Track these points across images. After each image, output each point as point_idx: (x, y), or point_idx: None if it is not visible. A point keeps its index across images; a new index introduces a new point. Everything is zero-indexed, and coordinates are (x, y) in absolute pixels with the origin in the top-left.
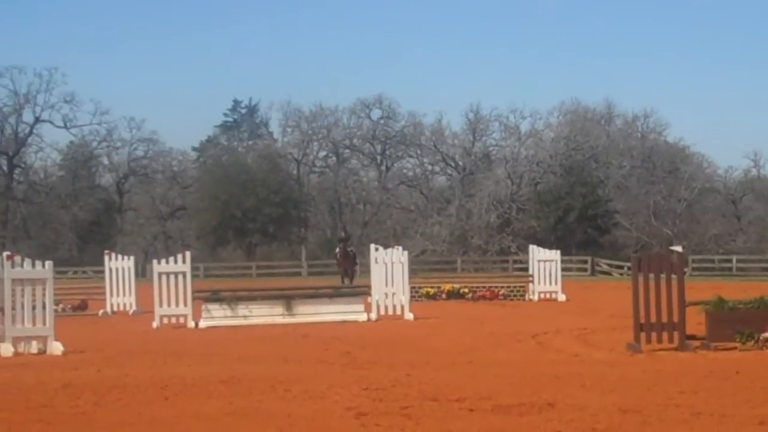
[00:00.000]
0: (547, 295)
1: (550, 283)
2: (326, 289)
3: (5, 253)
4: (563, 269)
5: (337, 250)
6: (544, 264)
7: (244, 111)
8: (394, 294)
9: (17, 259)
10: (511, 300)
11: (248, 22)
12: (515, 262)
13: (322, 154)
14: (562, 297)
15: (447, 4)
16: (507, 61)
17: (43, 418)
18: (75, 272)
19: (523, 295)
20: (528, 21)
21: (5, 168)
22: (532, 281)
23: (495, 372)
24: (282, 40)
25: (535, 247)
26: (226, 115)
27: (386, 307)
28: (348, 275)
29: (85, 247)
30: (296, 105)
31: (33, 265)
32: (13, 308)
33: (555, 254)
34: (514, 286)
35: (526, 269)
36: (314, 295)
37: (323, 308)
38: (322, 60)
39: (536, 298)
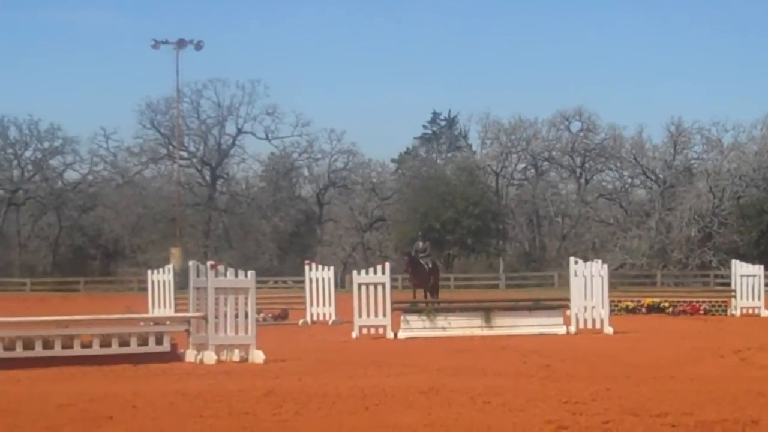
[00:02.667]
0: (750, 311)
1: (753, 299)
2: (525, 301)
3: (209, 263)
4: (767, 284)
5: (406, 258)
6: (747, 279)
7: (443, 123)
8: (593, 307)
9: (221, 268)
10: (713, 315)
11: (446, 35)
12: (716, 276)
13: (521, 166)
14: (765, 313)
15: (648, 15)
16: (709, 73)
17: (246, 426)
18: (275, 282)
19: (725, 311)
20: (730, 31)
21: (208, 179)
22: (735, 296)
23: (697, 387)
24: (480, 52)
25: (737, 261)
26: (425, 126)
27: (585, 321)
28: (428, 289)
29: (285, 257)
30: (495, 117)
31: (236, 275)
32: (216, 317)
33: (758, 269)
34: (716, 301)
35: (728, 284)
36: (513, 307)
37: (522, 321)
38: (521, 72)
39: (738, 313)
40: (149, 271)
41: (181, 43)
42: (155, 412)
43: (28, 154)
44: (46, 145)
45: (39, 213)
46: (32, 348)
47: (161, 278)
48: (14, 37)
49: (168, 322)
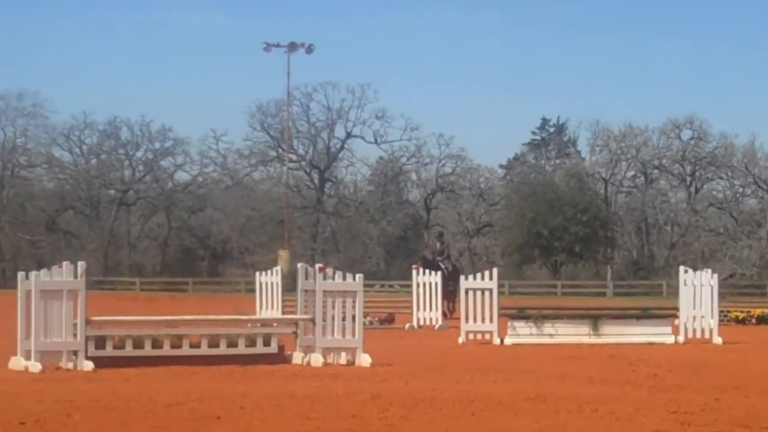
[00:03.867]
0: None
1: None
2: (633, 310)
3: (317, 265)
4: None
5: (419, 263)
6: None
7: (552, 129)
8: (702, 317)
9: (329, 271)
10: None
11: (556, 41)
12: None
13: (630, 173)
14: None
15: (760, 21)
16: None
17: (353, 429)
18: (382, 286)
19: None
20: None
21: (317, 182)
22: None
23: None
24: (590, 59)
25: None
26: (534, 133)
27: (694, 330)
28: (447, 296)
29: (392, 261)
30: (605, 124)
31: (344, 278)
32: (324, 319)
33: None
34: None
35: None
36: (621, 315)
37: (630, 329)
38: (631, 79)
39: None
40: (257, 273)
41: (292, 47)
42: (263, 413)
43: (139, 154)
44: (157, 146)
45: (149, 213)
46: (142, 347)
47: (269, 280)
48: (128, 39)
49: (275, 324)
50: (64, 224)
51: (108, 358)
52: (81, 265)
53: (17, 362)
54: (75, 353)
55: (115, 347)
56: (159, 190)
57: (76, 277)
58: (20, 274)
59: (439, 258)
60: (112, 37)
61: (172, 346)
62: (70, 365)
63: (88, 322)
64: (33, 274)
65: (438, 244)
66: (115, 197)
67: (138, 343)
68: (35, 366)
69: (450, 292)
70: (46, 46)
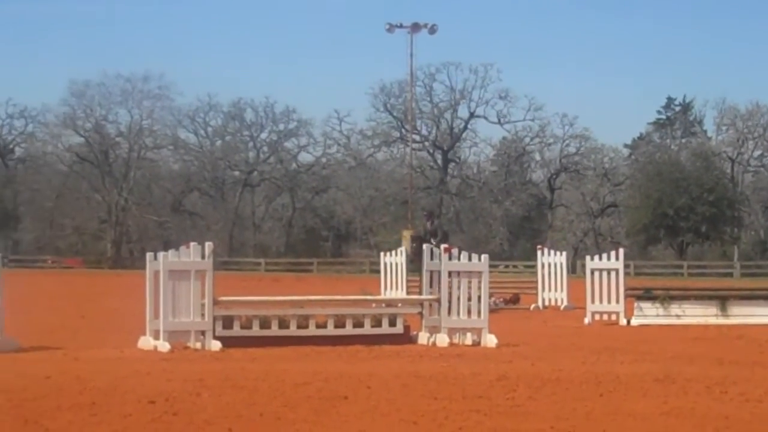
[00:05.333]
0: None
1: None
2: (763, 290)
3: (443, 246)
4: None
5: (413, 245)
6: None
7: (677, 108)
8: None
9: (454, 251)
10: None
11: (682, 20)
12: None
13: (758, 153)
14: None
15: None
16: None
17: (480, 409)
18: (506, 266)
19: None
20: None
21: (440, 162)
22: None
23: None
24: (716, 37)
25: None
26: (659, 112)
27: None
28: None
29: (516, 241)
30: (732, 103)
31: (469, 258)
32: (449, 300)
33: None
34: None
35: None
36: (750, 296)
37: (759, 310)
38: (758, 57)
39: None
40: (382, 254)
41: (415, 27)
42: (389, 393)
43: (263, 136)
44: (281, 127)
45: (273, 194)
46: (269, 327)
47: (393, 260)
48: (251, 22)
49: (400, 305)
50: (189, 205)
51: (235, 337)
52: (208, 245)
53: (146, 342)
54: (203, 333)
55: (242, 327)
56: (283, 171)
57: (203, 257)
58: (149, 255)
59: (433, 240)
60: (235, 19)
61: (299, 326)
62: (198, 345)
63: (215, 302)
64: (161, 254)
65: (428, 224)
66: (239, 178)
67: (265, 323)
68: (164, 346)
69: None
70: (172, 28)
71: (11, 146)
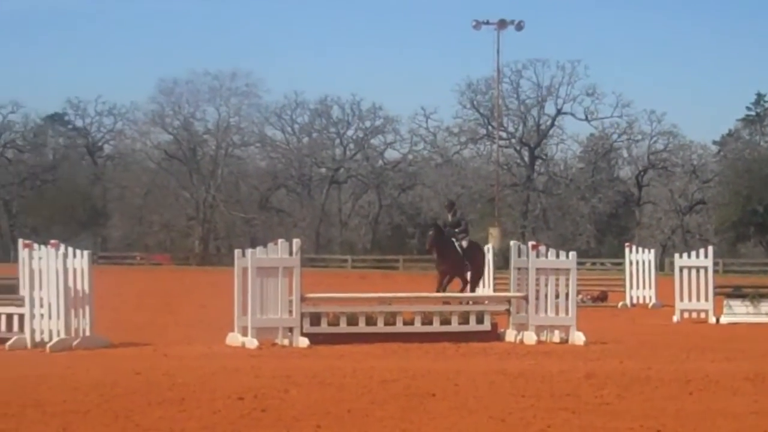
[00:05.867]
0: None
1: None
2: None
3: (530, 243)
4: None
5: (431, 233)
6: None
7: (767, 105)
8: None
9: (542, 248)
10: None
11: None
12: None
13: None
14: None
15: None
16: None
17: (568, 407)
18: (593, 263)
19: None
20: None
21: (527, 159)
22: None
23: None
24: None
25: None
26: (748, 108)
27: None
28: (464, 277)
29: (603, 239)
30: None
31: (557, 255)
32: (537, 297)
33: None
34: None
35: None
36: None
37: None
38: None
39: None
40: None
41: (501, 24)
42: (477, 390)
43: (350, 133)
44: (368, 124)
45: (360, 191)
46: (356, 324)
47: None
48: (336, 19)
49: (487, 302)
50: (276, 202)
51: (322, 334)
52: (296, 242)
53: (234, 338)
54: (290, 330)
55: (329, 324)
56: (369, 168)
57: (291, 254)
58: (237, 252)
59: (454, 231)
60: (322, 16)
61: (386, 323)
62: (286, 342)
63: (303, 299)
64: (249, 251)
65: (449, 215)
66: (326, 175)
67: (352, 320)
68: (252, 342)
69: (471, 276)
70: (259, 26)
71: (100, 144)
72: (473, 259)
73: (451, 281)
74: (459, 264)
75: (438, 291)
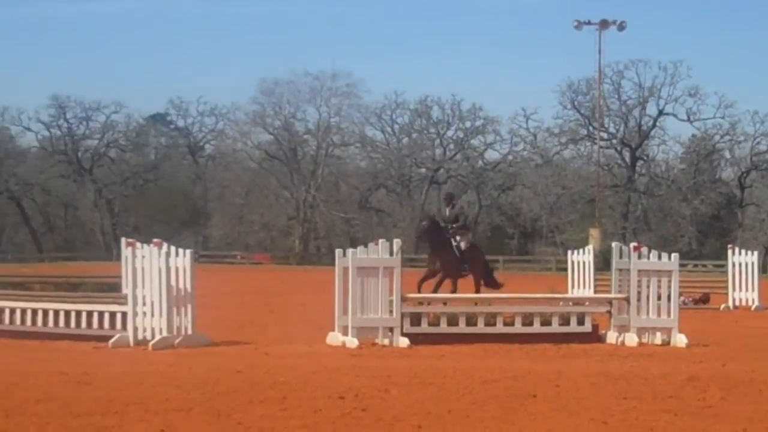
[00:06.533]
0: None
1: None
2: None
3: (632, 244)
4: None
5: (424, 225)
6: None
7: None
8: None
9: (644, 250)
10: None
11: None
12: None
13: None
14: None
15: None
16: None
17: (670, 409)
18: (695, 265)
19: None
20: None
21: (628, 160)
22: None
23: None
24: None
25: None
26: None
27: None
28: (458, 277)
29: (705, 240)
30: None
31: (659, 257)
32: (639, 299)
33: None
34: None
35: None
36: None
37: None
38: None
39: None
40: (569, 252)
41: (603, 24)
42: (578, 392)
43: (450, 133)
44: (468, 124)
45: (459, 192)
46: (456, 324)
47: (581, 259)
48: (435, 20)
49: (588, 303)
50: (376, 202)
51: (423, 334)
52: (396, 242)
53: (334, 338)
54: (391, 330)
55: (429, 324)
56: (469, 168)
57: (391, 254)
58: (338, 251)
59: (453, 227)
60: (422, 17)
61: (486, 324)
62: (386, 341)
63: (403, 299)
64: (350, 251)
65: (447, 209)
66: (426, 175)
67: (452, 321)
68: (352, 342)
69: (452, 272)
70: (360, 27)
71: (202, 143)
72: (474, 261)
73: (441, 284)
74: (452, 265)
75: (419, 288)
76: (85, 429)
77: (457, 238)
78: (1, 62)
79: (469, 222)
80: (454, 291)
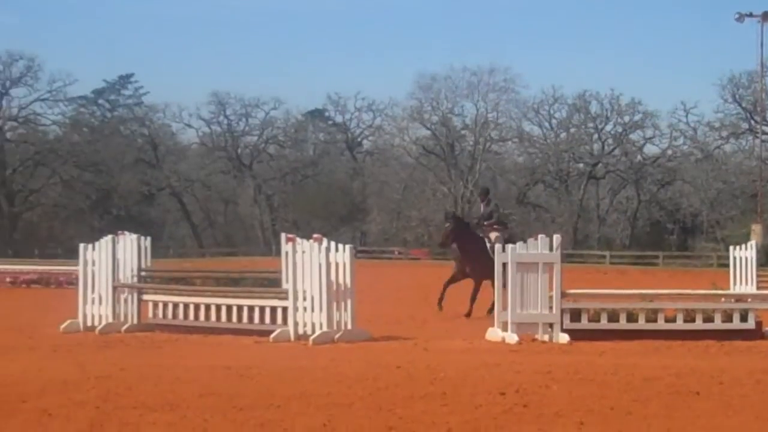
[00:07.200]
0: None
1: None
2: None
3: (494, 234)
4: None
5: (448, 226)
6: None
7: None
8: None
9: None
10: None
11: None
12: None
13: None
14: None
15: None
16: None
17: None
18: None
19: None
20: None
21: None
22: None
23: None
24: None
25: None
26: None
27: None
28: (486, 278)
29: None
30: None
31: None
32: None
33: None
34: None
35: None
36: None
37: None
38: None
39: None
40: (731, 247)
41: (765, 16)
42: (742, 389)
43: (608, 128)
44: (627, 119)
45: (618, 187)
46: (617, 320)
47: (743, 254)
48: (589, 15)
49: (751, 299)
50: (533, 197)
51: (582, 330)
52: (556, 238)
53: (494, 333)
54: (551, 325)
55: (589, 320)
56: (628, 163)
57: (551, 249)
58: (497, 247)
59: (486, 223)
60: (578, 10)
61: (647, 320)
62: (546, 337)
63: (563, 295)
64: (510, 246)
65: (482, 206)
66: (584, 171)
67: (613, 317)
68: (512, 337)
69: (486, 273)
70: (517, 21)
71: (360, 139)
72: (485, 252)
73: (478, 290)
74: (487, 267)
75: (442, 297)
76: (247, 423)
77: (492, 236)
78: (163, 60)
79: (504, 219)
80: (474, 294)
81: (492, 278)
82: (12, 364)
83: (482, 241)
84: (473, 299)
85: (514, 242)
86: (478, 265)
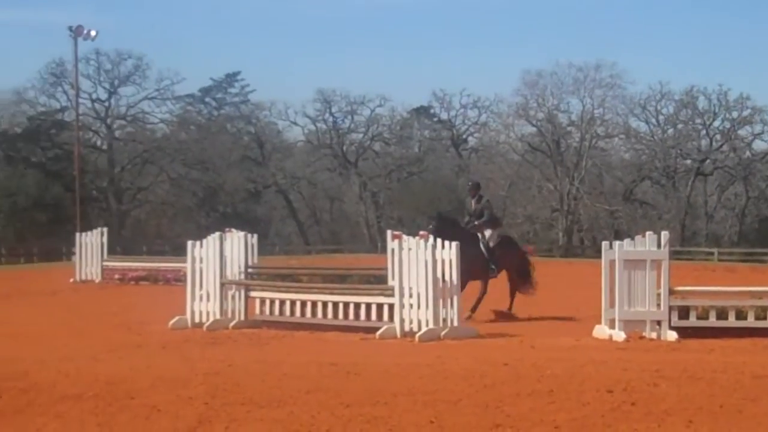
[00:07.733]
0: None
1: None
2: None
3: (488, 231)
4: None
5: (430, 227)
6: None
7: None
8: None
9: None
10: None
11: None
12: None
13: None
14: None
15: None
16: None
17: None
18: None
19: None
20: None
21: None
22: None
23: None
24: None
25: None
26: None
27: None
28: (486, 280)
29: None
30: None
31: None
32: None
33: None
34: None
35: None
36: None
37: None
38: None
39: None
40: None
41: None
42: None
43: (716, 124)
44: (735, 115)
45: (726, 183)
46: (725, 318)
47: None
48: (700, 10)
49: None
50: (640, 194)
51: (691, 328)
52: (664, 235)
53: (601, 330)
54: (658, 323)
55: (698, 317)
56: (736, 159)
57: (659, 246)
58: (604, 244)
59: (475, 222)
60: (684, 5)
61: (756, 318)
62: (654, 335)
63: (671, 292)
64: (617, 243)
65: (472, 202)
66: (691, 167)
67: (722, 314)
68: (619, 335)
69: (480, 274)
70: (624, 17)
71: (465, 136)
72: (504, 258)
73: (484, 296)
74: (479, 266)
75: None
76: (355, 419)
77: (486, 233)
78: (269, 58)
79: (497, 215)
80: (480, 298)
81: (483, 276)
82: (121, 361)
83: (475, 238)
84: (475, 307)
85: (507, 240)
86: (477, 265)
